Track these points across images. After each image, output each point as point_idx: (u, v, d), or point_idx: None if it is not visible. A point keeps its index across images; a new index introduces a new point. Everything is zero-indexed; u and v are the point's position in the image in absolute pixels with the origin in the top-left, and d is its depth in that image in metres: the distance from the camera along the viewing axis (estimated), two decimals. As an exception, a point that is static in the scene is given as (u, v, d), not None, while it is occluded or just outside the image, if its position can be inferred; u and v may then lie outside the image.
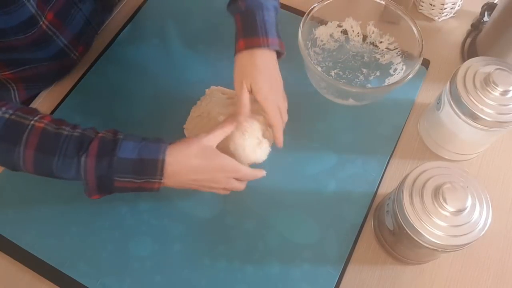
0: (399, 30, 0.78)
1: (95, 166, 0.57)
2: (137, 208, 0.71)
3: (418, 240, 0.56)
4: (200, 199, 0.72)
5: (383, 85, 0.80)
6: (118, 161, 0.57)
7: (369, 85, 0.81)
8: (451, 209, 0.55)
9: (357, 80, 0.82)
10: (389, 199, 0.62)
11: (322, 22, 0.81)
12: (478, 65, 0.66)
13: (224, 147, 0.64)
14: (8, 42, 0.68)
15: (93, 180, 0.58)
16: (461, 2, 0.88)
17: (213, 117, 0.70)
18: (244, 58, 0.65)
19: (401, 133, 0.78)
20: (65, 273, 0.66)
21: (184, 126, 0.74)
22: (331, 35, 0.84)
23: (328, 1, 0.77)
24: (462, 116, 0.65)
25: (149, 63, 0.85)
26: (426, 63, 0.84)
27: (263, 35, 0.65)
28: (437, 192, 0.56)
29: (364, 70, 0.83)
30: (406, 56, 0.79)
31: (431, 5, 0.88)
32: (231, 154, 0.64)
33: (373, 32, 0.83)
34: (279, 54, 0.68)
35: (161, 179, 0.59)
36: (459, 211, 0.55)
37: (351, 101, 0.76)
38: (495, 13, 0.78)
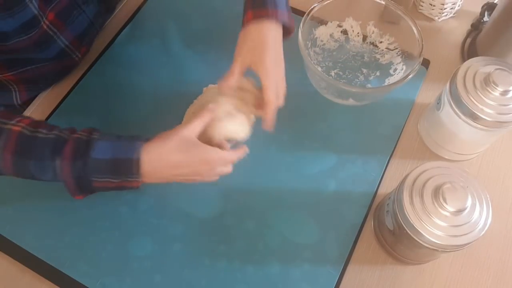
0: (399, 30, 0.78)
1: (70, 168, 0.56)
2: (137, 208, 0.71)
3: (418, 240, 0.56)
4: (200, 199, 0.72)
5: (383, 85, 0.80)
6: (92, 162, 0.56)
7: (369, 85, 0.81)
8: (451, 209, 0.55)
9: (357, 80, 0.82)
10: (389, 199, 0.62)
11: (322, 22, 0.81)
12: (478, 65, 0.66)
13: (204, 134, 0.63)
14: (11, 45, 0.68)
15: (72, 182, 0.57)
16: (461, 2, 0.88)
17: None
18: (251, 31, 0.64)
19: (401, 133, 0.78)
20: (65, 273, 0.66)
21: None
22: (331, 35, 0.84)
23: (328, 1, 0.77)
24: (462, 116, 0.65)
25: (149, 63, 0.85)
26: (426, 63, 0.84)
27: (272, 7, 0.64)
28: (437, 192, 0.56)
29: (364, 70, 0.83)
30: (406, 56, 0.79)
31: (431, 5, 0.88)
32: (208, 137, 0.63)
33: (373, 32, 0.83)
34: (287, 32, 0.67)
35: (138, 178, 0.57)
36: (459, 211, 0.55)
37: (351, 101, 0.76)
38: (495, 13, 0.78)
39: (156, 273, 0.66)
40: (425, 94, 0.82)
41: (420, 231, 0.55)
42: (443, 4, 0.86)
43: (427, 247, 0.56)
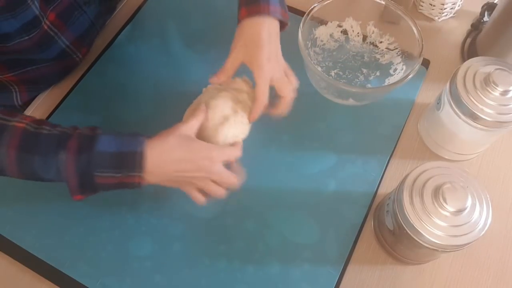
0: (399, 30, 0.78)
1: (74, 162, 0.56)
2: (137, 208, 0.71)
3: (418, 240, 0.56)
4: (200, 199, 0.72)
5: (383, 85, 0.80)
6: (97, 155, 0.56)
7: (369, 85, 0.81)
8: (451, 209, 0.55)
9: (357, 80, 0.82)
10: (389, 199, 0.62)
11: (322, 22, 0.81)
12: (478, 65, 0.66)
13: (200, 136, 0.64)
14: (13, 46, 0.68)
15: (74, 178, 0.57)
16: (461, 2, 0.88)
17: None
18: (244, 27, 0.65)
19: (401, 133, 0.78)
20: (65, 273, 0.66)
21: None
22: (331, 35, 0.84)
23: (328, 1, 0.77)
24: (462, 116, 0.65)
25: (149, 63, 0.85)
26: (426, 63, 0.84)
27: (264, 2, 0.64)
28: (437, 192, 0.56)
29: (364, 70, 0.83)
30: (406, 56, 0.79)
31: (431, 5, 0.88)
32: (207, 141, 0.64)
33: (373, 32, 0.83)
34: (282, 25, 0.68)
35: (140, 172, 0.57)
36: (459, 211, 0.55)
37: (351, 101, 0.76)
38: (495, 13, 0.78)
39: (156, 273, 0.66)
40: (425, 94, 0.82)
41: (420, 231, 0.55)
42: (443, 4, 0.86)
43: (427, 247, 0.56)
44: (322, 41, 0.84)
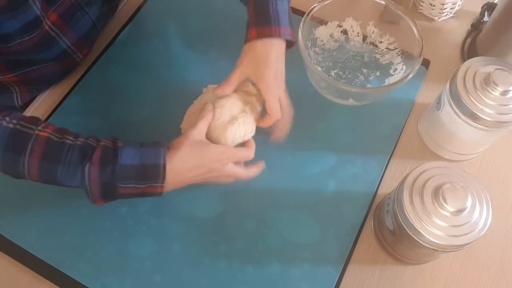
0: (399, 30, 0.78)
1: (99, 174, 0.58)
2: (137, 208, 0.71)
3: (418, 240, 0.56)
4: (200, 199, 0.72)
5: (383, 85, 0.80)
6: (120, 168, 0.58)
7: (369, 85, 0.81)
8: (451, 209, 0.55)
9: (357, 80, 0.82)
10: (389, 199, 0.62)
11: (322, 22, 0.81)
12: (478, 65, 0.66)
13: (209, 136, 0.66)
14: (14, 46, 0.68)
15: (98, 188, 0.59)
16: (461, 2, 0.88)
17: None
18: (253, 47, 0.66)
19: (401, 133, 0.78)
20: (65, 273, 0.66)
21: (181, 125, 0.74)
22: (331, 35, 0.84)
23: (328, 1, 0.77)
24: (462, 116, 0.65)
25: (149, 63, 0.85)
26: (426, 63, 0.84)
27: (275, 24, 0.65)
28: (437, 192, 0.56)
29: (364, 70, 0.83)
30: (406, 56, 0.79)
31: (431, 5, 0.88)
32: (216, 142, 0.66)
33: (373, 32, 0.83)
34: (290, 43, 0.69)
35: (163, 183, 0.59)
36: (459, 211, 0.55)
37: (351, 101, 0.76)
38: (495, 13, 0.78)
39: (156, 273, 0.66)
40: (425, 94, 0.82)
41: (420, 231, 0.55)
42: (443, 4, 0.86)
43: (427, 247, 0.56)
44: (322, 41, 0.84)
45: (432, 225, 0.55)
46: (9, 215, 0.71)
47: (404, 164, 0.76)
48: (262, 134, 0.71)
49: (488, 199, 0.57)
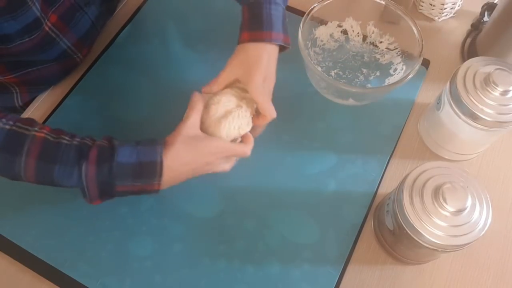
0: (399, 30, 0.78)
1: (96, 172, 0.58)
2: (137, 208, 0.71)
3: (418, 240, 0.56)
4: (200, 199, 0.72)
5: (383, 85, 0.80)
6: (117, 166, 0.58)
7: (369, 85, 0.81)
8: (451, 209, 0.55)
9: (357, 80, 0.82)
10: (389, 199, 0.62)
11: (322, 22, 0.81)
12: (478, 65, 0.66)
13: (203, 130, 0.65)
14: (14, 47, 0.68)
15: (95, 187, 0.59)
16: (461, 2, 0.88)
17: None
18: (245, 50, 0.66)
19: (401, 133, 0.78)
20: (65, 273, 0.66)
21: None
22: (331, 35, 0.84)
23: (328, 1, 0.77)
24: (462, 116, 0.65)
25: (149, 63, 0.85)
26: (426, 63, 0.84)
27: (267, 29, 0.65)
28: (437, 192, 0.56)
29: (364, 70, 0.83)
30: (406, 56, 0.79)
31: (431, 5, 0.88)
32: (211, 135, 0.65)
33: (373, 32, 0.83)
34: (283, 47, 0.69)
35: (160, 181, 0.59)
36: (459, 211, 0.55)
37: (351, 101, 0.76)
38: (495, 13, 0.78)
39: (156, 273, 0.66)
40: (425, 94, 0.82)
41: (420, 231, 0.55)
42: (443, 4, 0.86)
43: (427, 247, 0.56)
44: (322, 41, 0.84)
45: (432, 225, 0.55)
46: (9, 215, 0.71)
47: (404, 164, 0.76)
48: (262, 135, 0.71)
49: (488, 199, 0.57)
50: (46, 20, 0.70)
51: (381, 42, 0.83)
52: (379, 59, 0.83)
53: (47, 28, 0.71)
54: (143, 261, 0.67)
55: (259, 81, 0.65)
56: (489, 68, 0.64)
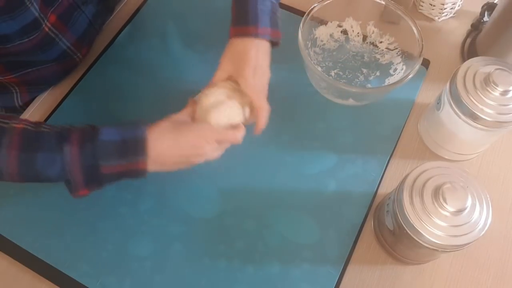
0: (399, 30, 0.78)
1: (79, 153, 0.56)
2: (137, 208, 0.71)
3: (418, 240, 0.56)
4: (200, 199, 0.72)
5: (383, 85, 0.80)
6: (101, 145, 0.57)
7: (369, 85, 0.81)
8: (451, 209, 0.55)
9: (357, 80, 0.82)
10: (389, 199, 0.62)
11: (322, 22, 0.81)
12: (478, 65, 0.66)
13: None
14: (13, 47, 0.68)
15: (79, 170, 0.57)
16: (461, 2, 0.88)
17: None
18: (233, 45, 0.66)
19: (401, 133, 0.78)
20: (65, 273, 0.66)
21: None
22: (331, 35, 0.84)
23: (328, 1, 0.77)
24: (462, 116, 0.65)
25: (149, 63, 0.85)
26: (426, 63, 0.84)
27: (253, 23, 0.66)
28: (437, 192, 0.56)
29: (364, 70, 0.83)
30: (406, 56, 0.79)
31: (431, 5, 0.88)
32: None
33: (373, 32, 0.83)
34: (275, 43, 0.69)
35: (144, 157, 0.58)
36: (459, 211, 0.55)
37: (351, 101, 0.76)
38: (495, 13, 0.78)
39: (156, 273, 0.66)
40: (425, 94, 0.82)
41: (420, 231, 0.55)
42: (443, 4, 0.86)
43: (427, 247, 0.56)
44: (322, 41, 0.84)
45: (432, 225, 0.55)
46: (9, 215, 0.71)
47: (404, 164, 0.76)
48: (262, 135, 0.70)
49: (488, 199, 0.57)
50: (45, 21, 0.70)
51: (381, 42, 0.83)
52: (379, 59, 0.83)
53: (46, 29, 0.71)
54: (143, 261, 0.67)
55: (249, 74, 0.64)
56: (489, 68, 0.64)
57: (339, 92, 0.76)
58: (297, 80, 0.80)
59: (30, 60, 0.75)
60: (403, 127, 0.79)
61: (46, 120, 0.79)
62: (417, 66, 0.71)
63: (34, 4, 0.66)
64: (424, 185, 0.57)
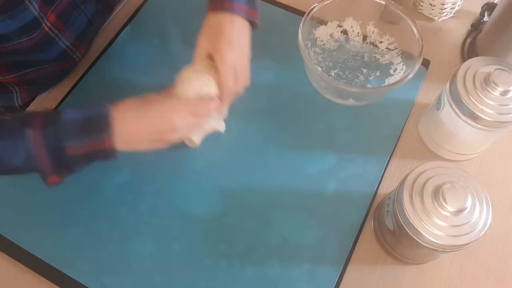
0: (399, 30, 0.78)
1: (42, 136, 0.54)
2: (137, 208, 0.71)
3: (418, 240, 0.56)
4: (200, 199, 0.72)
5: (383, 85, 0.80)
6: (64, 125, 0.55)
7: (369, 85, 0.81)
8: (451, 209, 0.55)
9: (357, 80, 0.82)
10: (389, 199, 0.62)
11: (322, 22, 0.81)
12: (478, 65, 0.66)
13: None
14: (12, 46, 0.68)
15: (44, 154, 0.55)
16: (461, 2, 0.88)
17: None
18: (209, 19, 0.66)
19: (401, 133, 0.78)
20: (65, 273, 0.66)
21: None
22: (331, 35, 0.84)
23: (328, 1, 0.77)
24: (462, 116, 0.65)
25: (149, 63, 0.85)
26: (426, 63, 0.84)
27: (229, 0, 0.65)
28: (437, 192, 0.56)
29: (364, 70, 0.83)
30: (406, 56, 0.79)
31: (431, 5, 0.88)
32: None
33: (373, 32, 0.83)
34: (253, 25, 0.68)
35: (110, 134, 0.56)
36: (459, 211, 0.55)
37: (351, 101, 0.76)
38: (495, 13, 0.78)
39: (156, 273, 0.66)
40: (425, 94, 0.82)
41: (420, 231, 0.55)
42: (443, 4, 0.86)
43: (427, 247, 0.56)
44: (322, 41, 0.84)
45: (432, 225, 0.55)
46: (9, 215, 0.71)
47: (404, 164, 0.76)
48: (262, 135, 0.71)
49: (488, 199, 0.57)
50: (45, 20, 0.70)
51: (381, 42, 0.83)
52: (379, 59, 0.83)
53: (46, 28, 0.71)
54: (143, 261, 0.67)
55: (223, 48, 0.63)
56: (489, 68, 0.64)
57: (339, 92, 0.76)
58: (297, 80, 0.80)
59: (29, 60, 0.75)
60: (403, 127, 0.79)
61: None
62: (417, 66, 0.71)
63: (34, 3, 0.66)
64: (424, 185, 0.57)
